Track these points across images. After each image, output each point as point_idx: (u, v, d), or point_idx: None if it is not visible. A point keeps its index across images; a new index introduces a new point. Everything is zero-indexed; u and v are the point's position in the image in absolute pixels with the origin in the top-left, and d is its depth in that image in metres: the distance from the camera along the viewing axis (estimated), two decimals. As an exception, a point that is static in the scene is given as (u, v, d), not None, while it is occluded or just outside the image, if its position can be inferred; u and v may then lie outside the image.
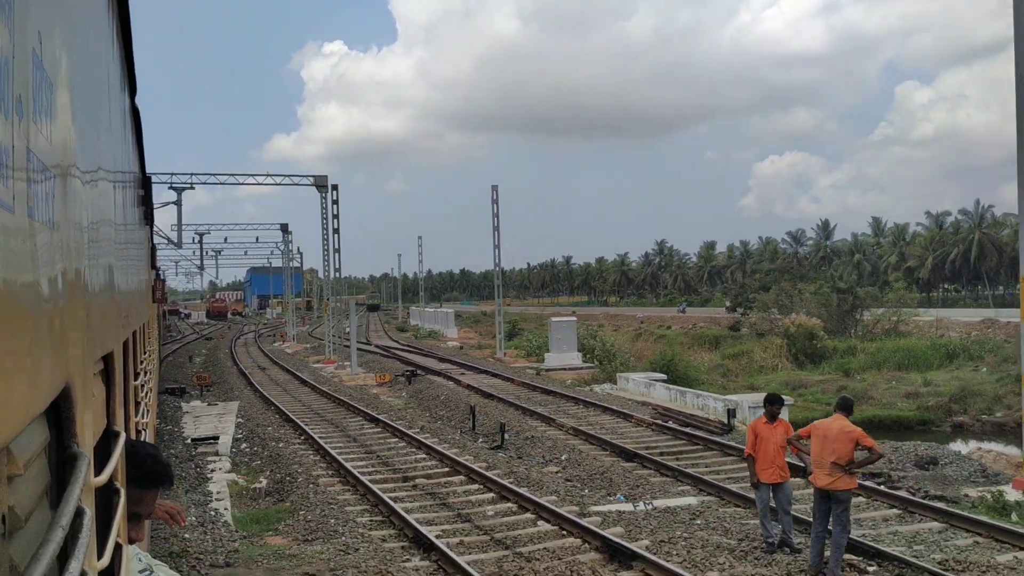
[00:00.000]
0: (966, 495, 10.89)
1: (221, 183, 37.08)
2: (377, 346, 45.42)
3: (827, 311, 40.63)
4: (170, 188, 35.55)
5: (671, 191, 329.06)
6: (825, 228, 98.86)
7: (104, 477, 1.62)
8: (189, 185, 36.02)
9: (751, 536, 9.26)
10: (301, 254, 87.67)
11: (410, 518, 10.04)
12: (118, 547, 1.75)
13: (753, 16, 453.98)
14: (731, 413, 16.67)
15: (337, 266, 35.58)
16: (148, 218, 8.35)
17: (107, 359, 2.32)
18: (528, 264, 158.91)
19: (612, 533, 9.33)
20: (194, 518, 10.54)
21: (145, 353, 6.53)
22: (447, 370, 29.42)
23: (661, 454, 14.12)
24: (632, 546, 8.69)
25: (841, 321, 40.90)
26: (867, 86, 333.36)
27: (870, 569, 7.90)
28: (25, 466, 1.12)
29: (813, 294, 41.39)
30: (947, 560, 8.10)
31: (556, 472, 13.42)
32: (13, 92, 1.05)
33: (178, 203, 35.65)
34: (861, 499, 10.56)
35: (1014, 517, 9.91)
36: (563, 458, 14.34)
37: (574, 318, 33.97)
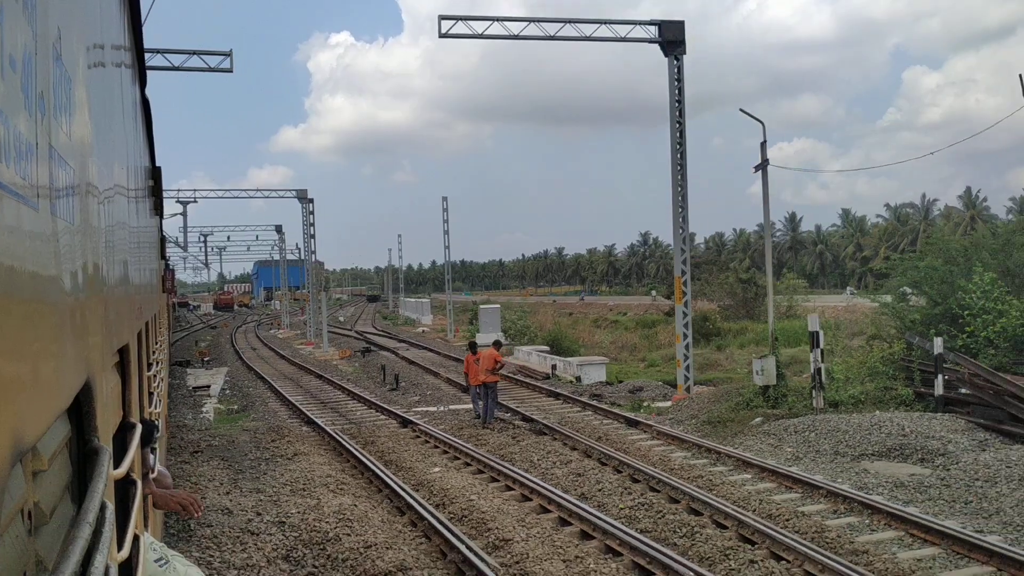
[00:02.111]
0: (623, 403, 19.33)
1: (220, 197, 45.78)
2: (357, 331, 54.06)
3: (732, 298, 48.98)
4: (177, 202, 44.28)
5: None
6: (792, 220, 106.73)
7: (123, 470, 1.61)
8: (192, 199, 44.75)
9: (471, 417, 17.73)
10: (299, 249, 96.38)
11: (307, 413, 18.60)
12: (136, 538, 1.76)
13: (759, 2, 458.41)
14: (553, 368, 25.14)
15: (318, 263, 44.19)
16: (158, 208, 8.12)
17: (122, 351, 2.39)
18: (523, 255, 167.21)
19: (412, 415, 17.81)
20: (191, 418, 19.10)
21: (156, 343, 6.45)
22: (397, 347, 38.01)
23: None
24: (413, 418, 17.19)
25: (745, 306, 49.15)
26: (875, 72, 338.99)
27: (515, 420, 16.40)
28: (49, 462, 1.11)
29: (719, 284, 49.75)
30: (563, 418, 16.54)
31: (416, 399, 21.93)
32: (36, 89, 1.07)
33: (184, 215, 44.39)
34: (556, 401, 19.10)
35: (640, 411, 18.26)
36: (428, 393, 22.85)
37: (498, 306, 42.51)
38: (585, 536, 9.28)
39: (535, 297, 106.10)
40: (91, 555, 1.10)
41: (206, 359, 34.33)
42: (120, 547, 1.46)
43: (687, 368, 19.95)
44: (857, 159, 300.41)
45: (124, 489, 1.78)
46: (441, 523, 9.27)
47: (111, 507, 1.34)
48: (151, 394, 4.11)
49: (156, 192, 7.27)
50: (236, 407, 21.95)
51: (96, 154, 1.86)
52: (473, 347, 17.68)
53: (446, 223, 45.58)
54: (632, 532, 8.93)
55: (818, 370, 14.72)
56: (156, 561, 2.57)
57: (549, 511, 10.25)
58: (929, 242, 24.83)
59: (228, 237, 72.37)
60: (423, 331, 55.55)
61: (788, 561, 8.19)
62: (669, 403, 18.81)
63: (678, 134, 20.10)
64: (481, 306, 43.13)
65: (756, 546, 8.67)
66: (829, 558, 7.94)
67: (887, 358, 16.57)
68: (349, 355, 36.58)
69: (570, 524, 9.69)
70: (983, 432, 12.43)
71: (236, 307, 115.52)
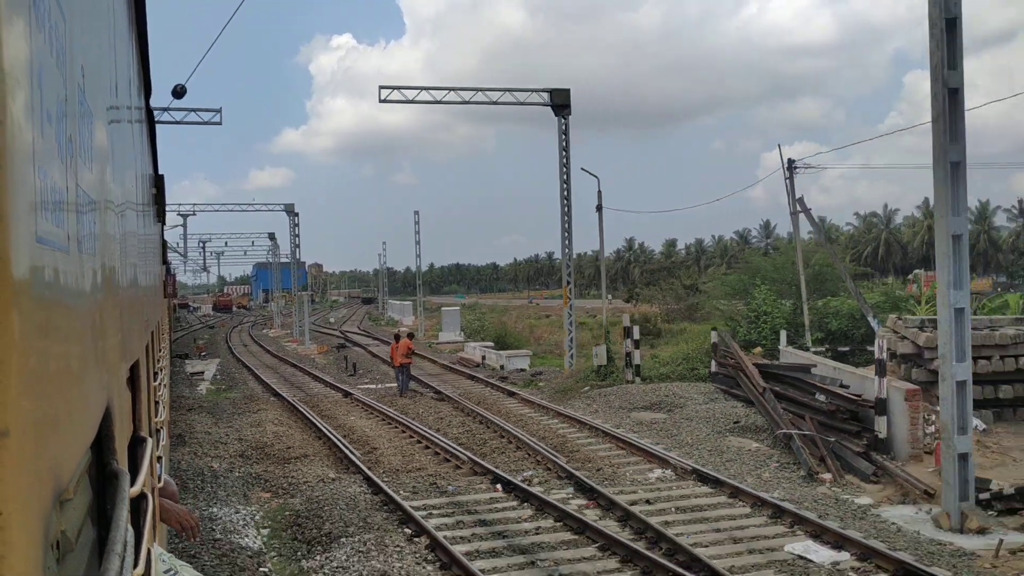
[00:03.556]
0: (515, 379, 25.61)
1: (216, 210, 52.14)
2: (341, 331, 60.39)
3: (677, 302, 55.22)
4: (178, 215, 50.68)
5: (680, 181, 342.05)
6: (767, 227, 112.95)
7: (138, 488, 1.65)
8: (192, 212, 51.15)
9: (394, 392, 23.99)
10: (300, 249, 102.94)
11: (276, 388, 24.90)
12: (148, 552, 1.78)
13: (760, 6, 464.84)
14: (483, 358, 31.40)
15: (316, 265, 50.49)
16: (161, 216, 8.44)
17: (133, 366, 2.45)
18: (515, 259, 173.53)
19: (354, 390, 24.06)
20: (188, 393, 25.39)
21: (160, 351, 6.71)
22: (369, 344, 44.30)
23: (424, 373, 28.83)
24: (353, 392, 23.45)
25: (688, 309, 55.39)
26: (875, 76, 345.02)
27: (427, 393, 22.68)
28: (74, 490, 1.14)
29: (668, 289, 56.02)
30: (464, 392, 22.80)
31: (366, 381, 28.16)
32: (66, 134, 1.12)
33: (184, 226, 50.79)
34: (469, 381, 25.40)
35: (528, 388, 24.44)
36: (377, 376, 29.10)
37: (458, 308, 48.90)
38: (416, 440, 15.60)
39: (520, 300, 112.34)
40: None
41: (202, 354, 40.69)
42: (136, 564, 1.42)
43: (571, 355, 26.19)
44: (858, 163, 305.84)
45: (136, 503, 1.73)
46: (336, 437, 15.60)
47: (131, 531, 1.36)
48: (156, 403, 4.17)
49: (159, 200, 7.68)
50: (224, 387, 28.25)
51: (112, 180, 1.95)
52: (397, 337, 23.96)
53: (418, 235, 51.90)
54: (446, 441, 15.22)
55: (629, 354, 20.96)
56: (166, 573, 2.57)
57: (408, 435, 16.55)
58: (744, 260, 31.28)
59: (226, 243, 78.80)
60: (400, 330, 61.85)
61: (525, 452, 14.47)
62: (554, 382, 25.04)
63: (564, 175, 26.36)
64: (443, 308, 49.50)
65: (518, 449, 14.94)
66: (552, 444, 14.20)
67: (699, 347, 22.81)
68: (327, 350, 42.84)
69: (416, 440, 15.98)
70: (720, 394, 18.65)
71: (235, 308, 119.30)
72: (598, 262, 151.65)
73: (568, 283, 26.65)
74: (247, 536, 10.42)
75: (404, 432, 17.07)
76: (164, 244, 13.64)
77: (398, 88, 25.71)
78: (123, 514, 1.31)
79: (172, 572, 2.64)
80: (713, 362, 20.29)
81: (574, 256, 28.08)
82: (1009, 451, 13.64)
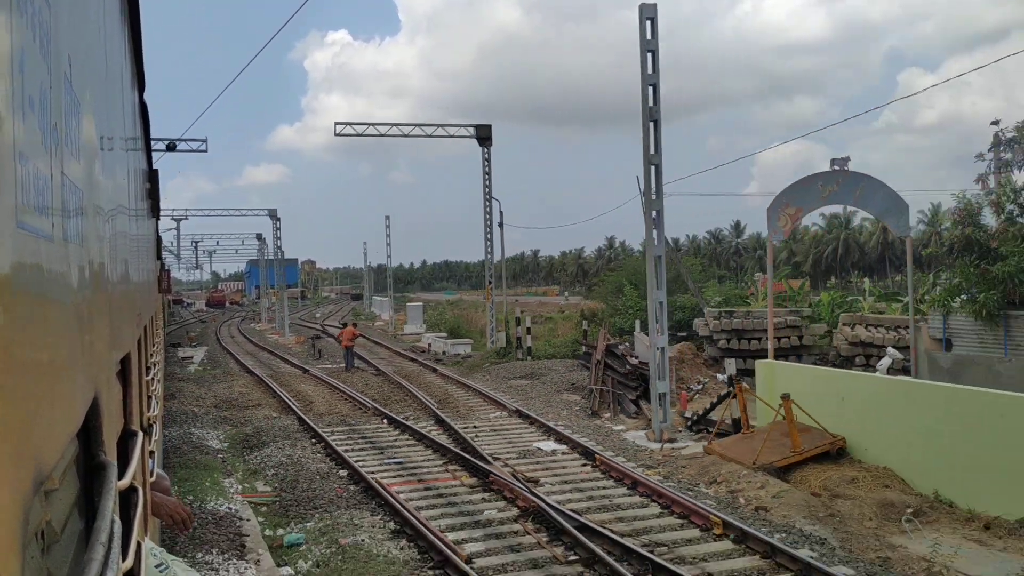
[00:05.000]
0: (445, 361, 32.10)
1: (206, 215, 58.47)
2: (322, 324, 66.82)
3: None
4: (172, 219, 57.07)
5: (675, 178, 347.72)
6: (737, 228, 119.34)
7: (126, 481, 1.65)
8: (184, 217, 57.56)
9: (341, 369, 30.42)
10: (283, 251, 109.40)
11: (250, 367, 31.35)
12: (138, 546, 1.79)
13: (755, 5, 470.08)
14: (429, 345, 37.87)
15: (310, 262, 56.88)
16: (155, 211, 8.33)
17: (124, 359, 2.47)
18: (503, 256, 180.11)
19: (313, 369, 30.49)
20: (179, 371, 31.81)
21: (153, 345, 6.74)
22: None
23: (376, 357, 35.25)
24: (311, 370, 29.88)
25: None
26: (870, 74, 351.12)
27: (368, 370, 29.13)
28: (60, 480, 1.15)
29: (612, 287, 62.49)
30: (399, 370, 29.25)
31: (327, 363, 34.56)
32: (50, 122, 1.12)
33: (177, 230, 57.15)
34: (409, 363, 31.87)
35: (453, 367, 30.85)
36: (337, 360, 35.51)
37: (420, 304, 55.40)
38: (343, 398, 22.11)
39: (499, 297, 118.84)
40: (102, 573, 1.12)
41: (193, 343, 47.18)
42: (124, 557, 1.41)
43: (492, 341, 32.61)
44: (853, 161, 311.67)
45: (126, 496, 1.74)
46: (284, 395, 22.12)
47: (118, 522, 1.34)
48: (149, 398, 4.07)
49: (153, 195, 7.40)
50: (208, 367, 34.69)
51: (102, 170, 1.93)
52: (345, 324, 30.41)
53: (388, 237, 58.35)
54: (364, 398, 21.71)
55: (519, 337, 27.40)
56: (157, 567, 2.57)
57: (339, 395, 23.02)
58: (623, 263, 37.91)
59: (217, 242, 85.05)
60: (377, 324, 68.29)
61: (416, 404, 20.95)
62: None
63: (488, 197, 32.76)
64: (408, 304, 56.06)
65: (413, 402, 21.39)
66: (437, 399, 20.66)
67: (580, 333, 29.25)
68: (303, 340, 49.28)
69: (343, 398, 22.45)
70: (580, 367, 25.04)
71: (227, 304, 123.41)
72: (581, 260, 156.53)
73: (490, 283, 33.08)
74: (214, 443, 16.91)
75: (337, 393, 23.50)
76: (159, 240, 13.67)
77: (350, 124, 32.13)
78: (109, 504, 1.31)
79: (163, 567, 2.60)
80: (583, 345, 26.74)
81: (538, 259, 34.45)
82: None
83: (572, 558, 9.58)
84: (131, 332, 2.99)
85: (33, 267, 0.99)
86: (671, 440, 16.53)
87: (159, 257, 13.01)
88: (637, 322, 27.31)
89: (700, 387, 20.90)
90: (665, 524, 10.91)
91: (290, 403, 21.10)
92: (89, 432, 1.49)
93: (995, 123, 22.38)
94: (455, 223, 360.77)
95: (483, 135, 32.36)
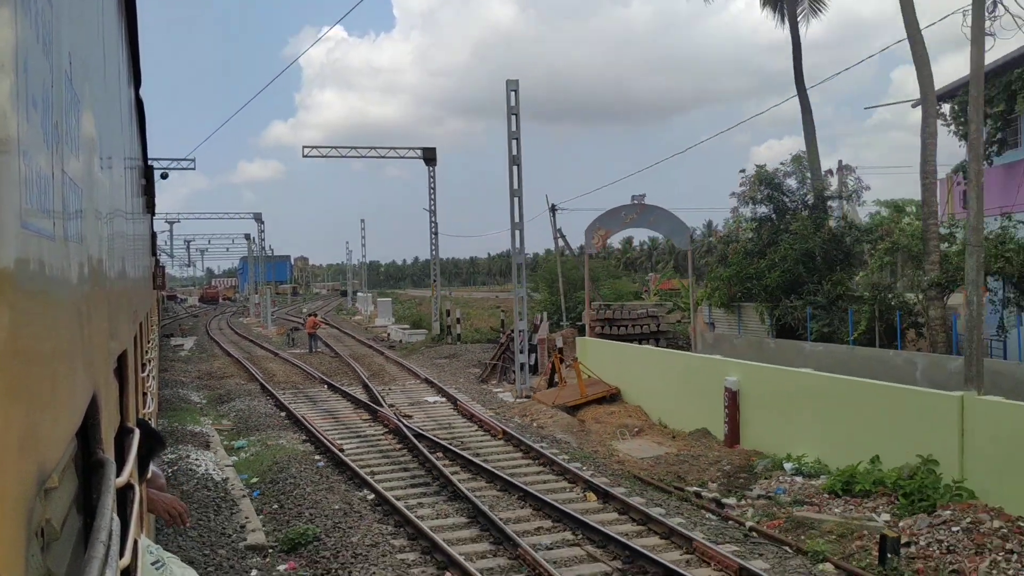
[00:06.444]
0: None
1: (198, 218, 64.96)
2: (303, 319, 73.30)
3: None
4: (165, 222, 63.61)
5: (669, 174, 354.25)
6: (709, 227, 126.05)
7: (124, 478, 1.66)
8: (177, 220, 64.11)
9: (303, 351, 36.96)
10: (272, 249, 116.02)
11: (231, 351, 37.88)
12: (135, 543, 1.81)
13: (748, 2, 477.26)
14: (388, 335, 44.41)
15: (303, 258, 63.30)
16: (150, 207, 8.59)
17: (121, 357, 2.52)
18: (488, 254, 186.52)
19: (283, 353, 37.01)
20: (171, 354, 38.29)
21: (149, 342, 6.77)
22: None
23: (340, 344, 41.76)
24: (282, 354, 36.37)
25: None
26: (863, 71, 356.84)
27: (328, 353, 35.66)
28: (60, 479, 1.16)
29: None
30: (354, 353, 35.77)
31: (299, 350, 41.03)
32: (52, 120, 1.13)
33: (170, 232, 63.66)
34: (366, 348, 38.43)
35: (403, 352, 37.35)
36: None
37: (390, 299, 62.02)
38: (300, 373, 28.72)
39: (481, 293, 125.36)
40: (102, 572, 1.14)
41: (185, 334, 53.79)
42: (121, 554, 1.42)
43: (438, 329, 39.13)
44: (847, 158, 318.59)
45: (123, 494, 1.75)
46: (254, 370, 28.75)
47: (117, 520, 1.36)
48: (144, 394, 4.08)
49: (148, 191, 7.59)
50: (196, 352, 41.20)
51: (99, 168, 1.94)
52: (311, 314, 36.98)
53: (363, 238, 64.92)
54: (316, 372, 28.30)
55: (449, 325, 33.94)
56: (153, 564, 2.61)
57: (297, 371, 29.58)
58: (543, 266, 44.62)
59: (209, 241, 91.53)
60: (355, 319, 74.80)
61: (354, 375, 27.55)
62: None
63: (433, 213, 39.24)
64: (379, 298, 62.67)
65: (352, 374, 27.95)
66: (371, 372, 27.22)
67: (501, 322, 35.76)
68: (284, 332, 55.82)
69: (300, 373, 29.01)
70: (492, 349, 31.51)
71: (221, 300, 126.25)
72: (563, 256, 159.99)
73: (435, 280, 39.61)
74: (196, 399, 23.52)
75: (296, 369, 30.02)
76: (154, 236, 13.62)
77: (316, 147, 38.66)
78: (108, 502, 1.32)
79: (159, 563, 2.64)
80: (500, 332, 33.24)
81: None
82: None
83: (401, 447, 16.18)
84: (128, 329, 3.08)
85: (36, 265, 1.00)
86: (527, 396, 23.05)
87: (154, 253, 13.41)
88: (544, 314, 33.84)
89: (571, 362, 27.41)
90: (473, 434, 17.49)
91: (256, 375, 27.61)
92: (88, 429, 1.50)
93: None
94: (453, 220, 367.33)
95: (428, 156, 38.84)
